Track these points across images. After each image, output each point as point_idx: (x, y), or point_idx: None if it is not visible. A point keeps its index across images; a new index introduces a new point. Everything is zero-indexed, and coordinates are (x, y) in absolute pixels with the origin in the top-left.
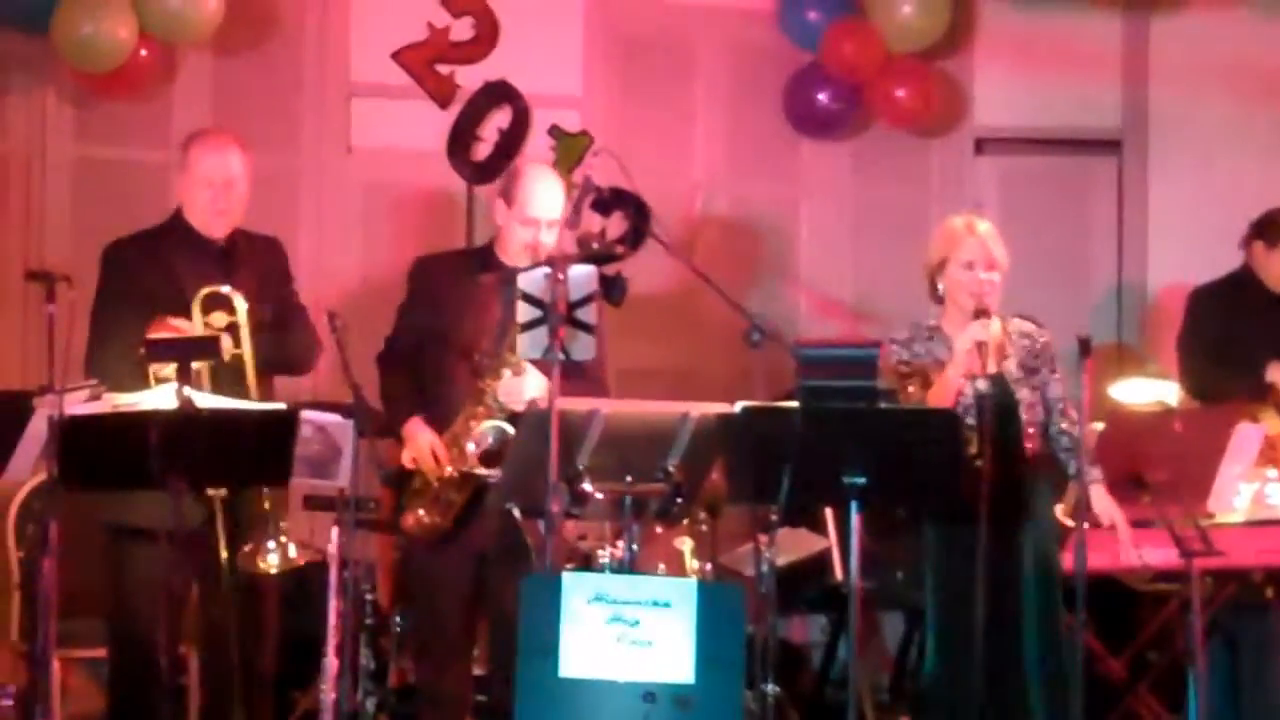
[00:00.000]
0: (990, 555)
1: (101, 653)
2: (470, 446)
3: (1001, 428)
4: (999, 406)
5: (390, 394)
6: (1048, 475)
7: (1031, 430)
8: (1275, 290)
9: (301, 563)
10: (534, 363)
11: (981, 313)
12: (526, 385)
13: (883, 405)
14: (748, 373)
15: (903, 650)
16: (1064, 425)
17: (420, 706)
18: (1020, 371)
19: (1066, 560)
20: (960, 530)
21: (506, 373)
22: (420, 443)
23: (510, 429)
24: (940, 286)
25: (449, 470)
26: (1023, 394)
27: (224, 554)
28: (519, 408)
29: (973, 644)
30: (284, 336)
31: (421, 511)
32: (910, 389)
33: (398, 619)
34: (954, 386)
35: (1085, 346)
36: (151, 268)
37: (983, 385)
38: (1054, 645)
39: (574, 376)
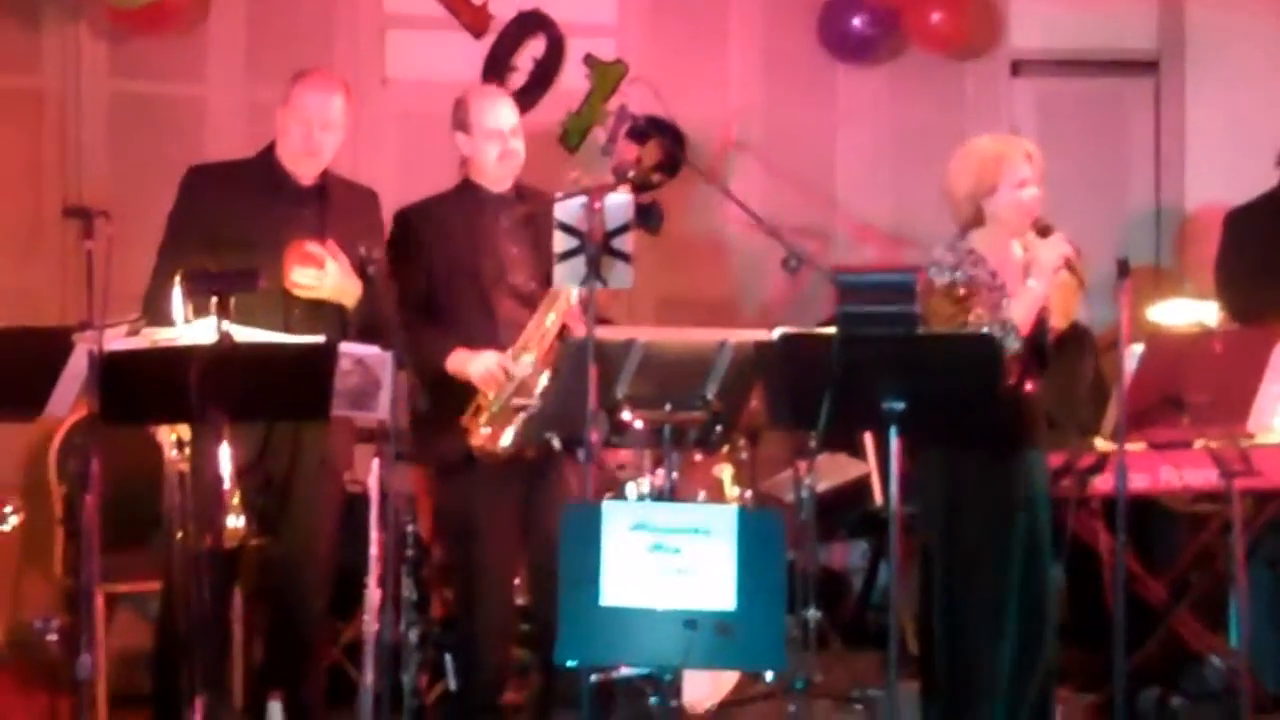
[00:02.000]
0: (991, 484)
1: (145, 587)
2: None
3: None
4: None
5: (420, 343)
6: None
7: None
8: None
9: (257, 539)
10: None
11: (1046, 230)
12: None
13: (925, 331)
14: (786, 299)
15: None
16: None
17: (463, 637)
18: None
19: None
20: (961, 456)
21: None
22: (485, 361)
23: None
24: (986, 209)
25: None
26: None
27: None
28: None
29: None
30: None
31: (487, 430)
32: (977, 312)
33: (439, 550)
34: (1039, 302)
35: (1124, 268)
36: (224, 202)
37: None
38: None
39: None
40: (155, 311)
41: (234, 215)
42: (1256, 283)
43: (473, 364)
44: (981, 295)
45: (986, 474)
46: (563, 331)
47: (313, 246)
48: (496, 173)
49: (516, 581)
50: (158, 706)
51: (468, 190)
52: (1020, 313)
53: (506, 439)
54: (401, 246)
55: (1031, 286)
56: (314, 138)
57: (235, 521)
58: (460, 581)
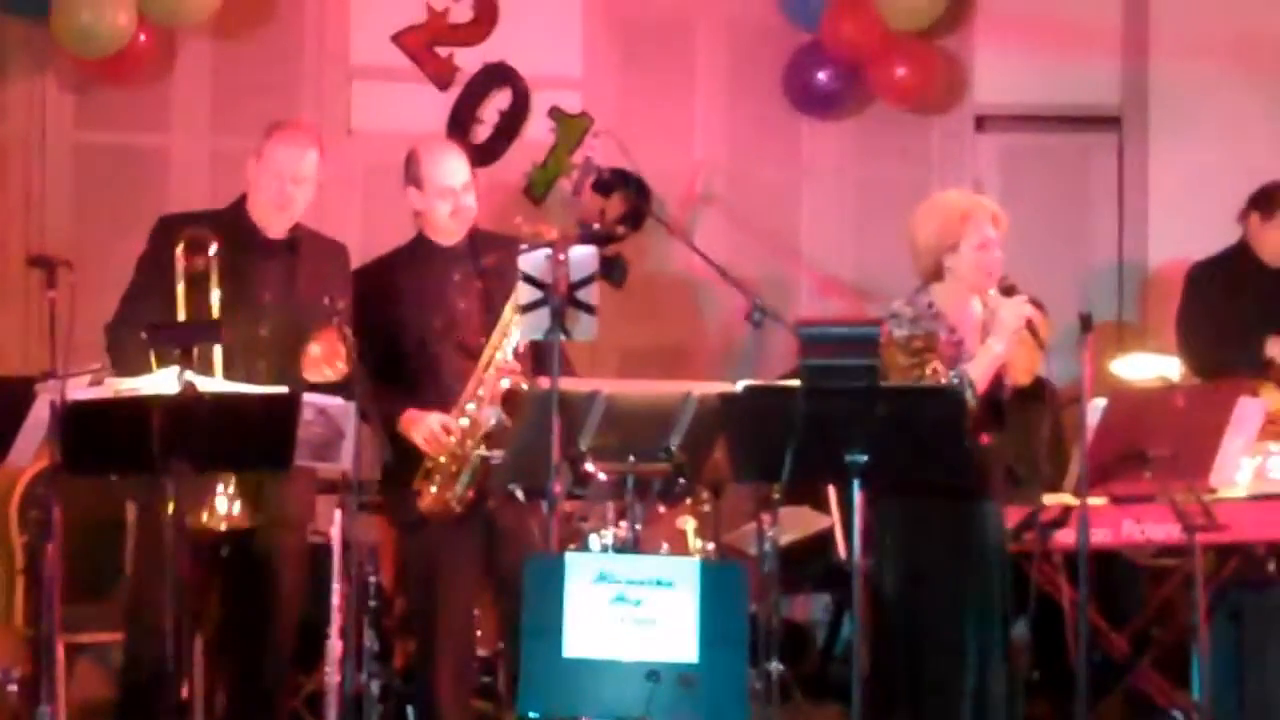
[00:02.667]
0: (953, 534)
1: (107, 637)
2: (489, 416)
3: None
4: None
5: (375, 397)
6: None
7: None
8: (1271, 264)
9: (247, 524)
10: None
11: (1010, 289)
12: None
13: (885, 384)
14: (749, 352)
15: None
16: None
17: (423, 688)
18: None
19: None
20: (922, 505)
21: (515, 333)
22: (428, 424)
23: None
24: (947, 264)
25: (463, 444)
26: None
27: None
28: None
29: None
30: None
31: (435, 490)
32: (934, 366)
33: (401, 601)
34: (998, 361)
35: (1086, 323)
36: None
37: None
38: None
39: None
40: (118, 352)
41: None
42: (1217, 338)
43: (415, 429)
44: (939, 349)
45: (943, 524)
46: (513, 383)
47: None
48: (448, 228)
49: (479, 633)
50: None
51: (420, 246)
52: (978, 371)
53: (458, 491)
54: (362, 304)
55: (991, 346)
56: (286, 192)
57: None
58: (420, 633)
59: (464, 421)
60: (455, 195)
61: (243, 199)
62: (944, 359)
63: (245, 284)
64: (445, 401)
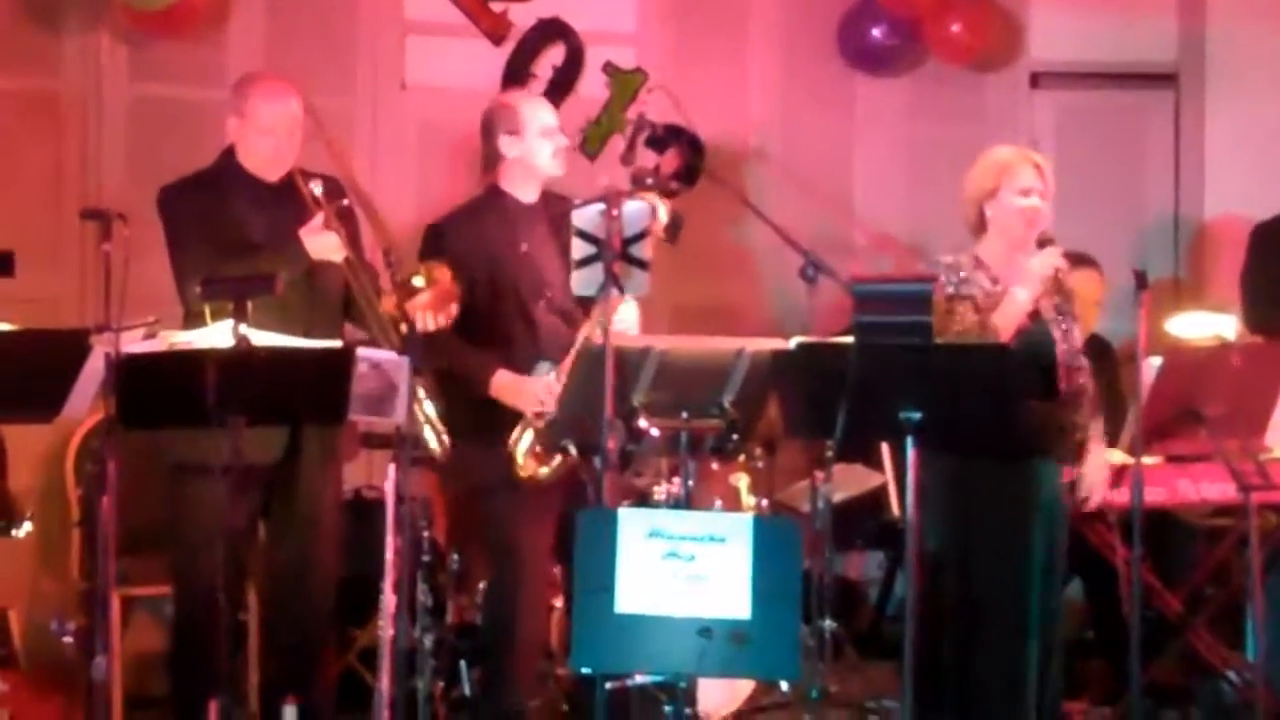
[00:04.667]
0: (1005, 492)
1: (161, 590)
2: None
3: (1028, 370)
4: (1037, 342)
5: (459, 358)
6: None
7: (1062, 370)
8: None
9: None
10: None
11: (1047, 241)
12: (631, 308)
13: (942, 341)
14: (802, 309)
15: None
16: (1080, 364)
17: (500, 651)
18: (1052, 310)
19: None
20: (975, 463)
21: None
22: (528, 391)
23: None
24: (988, 213)
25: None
26: (1055, 333)
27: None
28: (631, 328)
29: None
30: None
31: (534, 456)
32: (961, 311)
33: (455, 556)
34: (1023, 310)
35: (1142, 280)
36: (210, 212)
37: (1026, 323)
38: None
39: None
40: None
41: (222, 222)
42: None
43: (521, 393)
44: (976, 300)
45: (998, 481)
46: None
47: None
48: (548, 171)
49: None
50: (174, 709)
51: (497, 199)
52: (1002, 319)
53: (555, 464)
54: (436, 258)
55: (1016, 294)
56: (279, 146)
57: None
58: (498, 598)
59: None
60: (555, 134)
61: (230, 151)
62: (984, 310)
63: (270, 230)
64: (541, 358)
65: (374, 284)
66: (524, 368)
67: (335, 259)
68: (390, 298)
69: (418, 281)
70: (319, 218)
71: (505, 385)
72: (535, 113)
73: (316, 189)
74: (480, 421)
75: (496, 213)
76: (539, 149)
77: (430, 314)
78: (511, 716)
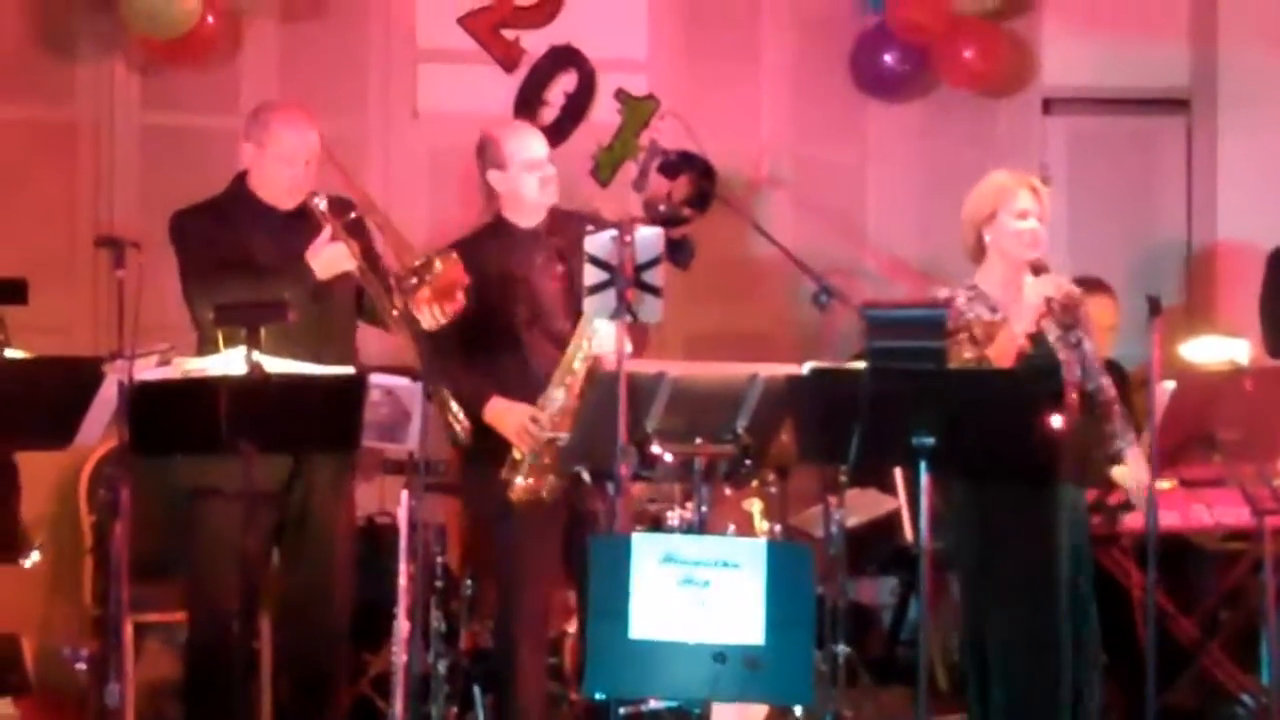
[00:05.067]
0: (1026, 517)
1: (174, 617)
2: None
3: (1045, 389)
4: (1042, 367)
5: (458, 384)
6: (1080, 439)
7: (1072, 392)
8: None
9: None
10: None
11: (1041, 269)
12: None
13: (956, 367)
14: (815, 334)
15: None
16: (1103, 382)
17: (506, 676)
18: (1059, 330)
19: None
20: (993, 489)
21: (600, 320)
22: (515, 418)
23: None
24: (986, 238)
25: (550, 436)
26: (1062, 354)
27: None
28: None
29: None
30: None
31: (526, 481)
32: (958, 346)
33: (469, 582)
34: (1017, 342)
35: (1155, 306)
36: (221, 239)
37: (1024, 347)
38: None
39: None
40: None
41: (234, 249)
42: None
43: (506, 421)
44: (973, 333)
45: (1021, 507)
46: (593, 365)
47: None
48: (536, 203)
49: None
50: None
51: (500, 228)
52: (996, 353)
53: (548, 487)
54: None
55: (1011, 326)
56: (300, 176)
57: None
58: (500, 624)
59: (555, 399)
60: (541, 165)
61: (242, 176)
62: (983, 340)
63: (284, 257)
64: (534, 388)
65: (388, 285)
66: (517, 394)
67: (348, 268)
68: (399, 298)
69: (437, 264)
70: (325, 232)
71: (496, 411)
72: (518, 145)
73: (321, 204)
74: (481, 446)
75: (498, 240)
76: (524, 182)
77: (436, 306)
78: None
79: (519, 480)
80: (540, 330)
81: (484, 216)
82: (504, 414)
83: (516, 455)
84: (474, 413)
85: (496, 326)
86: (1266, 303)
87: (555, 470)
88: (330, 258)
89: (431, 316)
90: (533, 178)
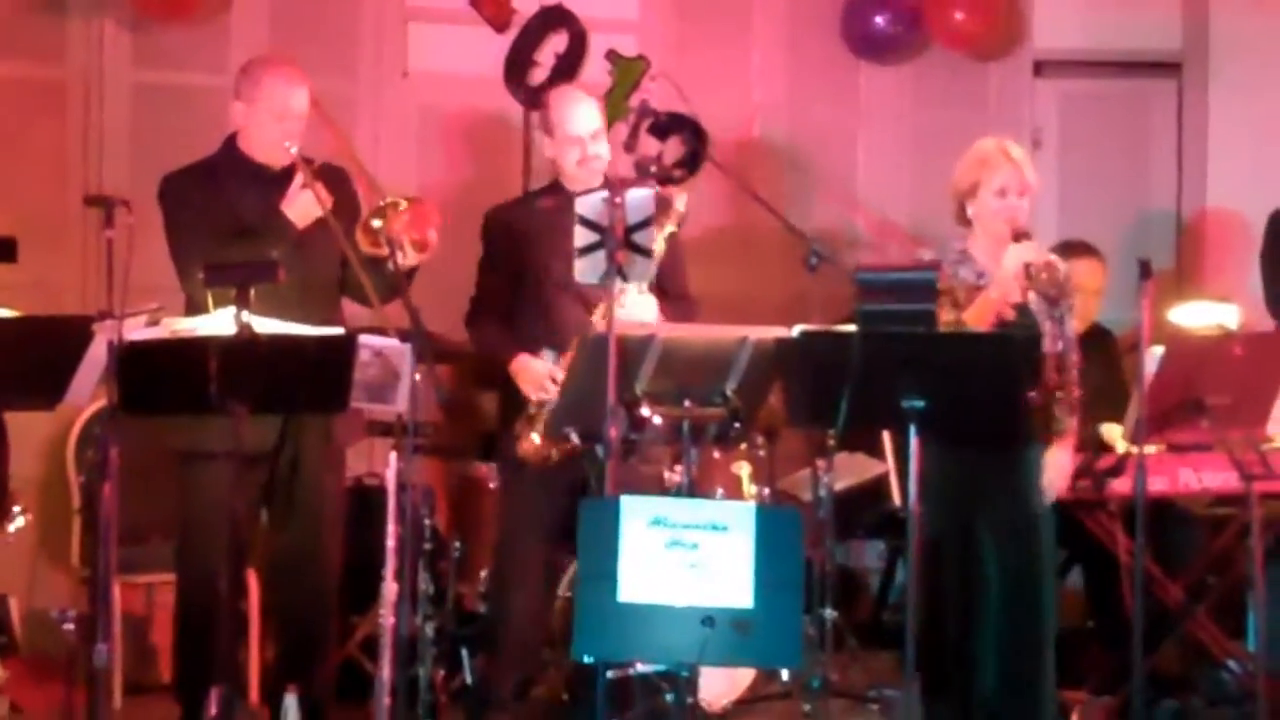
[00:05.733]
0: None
1: (163, 578)
2: None
3: (1031, 354)
4: (1024, 338)
5: (488, 344)
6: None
7: (1049, 364)
8: None
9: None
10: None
11: (1022, 235)
12: (648, 303)
13: (946, 330)
14: (805, 297)
15: None
16: (1073, 358)
17: (494, 634)
18: (1042, 303)
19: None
20: (974, 452)
21: (631, 289)
22: (535, 371)
23: None
24: (969, 210)
25: None
26: (1045, 326)
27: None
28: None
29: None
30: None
31: (538, 438)
32: (942, 314)
33: (457, 544)
34: (993, 308)
35: (1146, 270)
36: (211, 200)
37: (1009, 315)
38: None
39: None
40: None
41: (223, 210)
42: None
43: (527, 375)
44: (956, 296)
45: (1000, 469)
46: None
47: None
48: (576, 176)
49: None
50: (177, 696)
51: (552, 190)
52: (972, 316)
53: (558, 449)
54: (485, 246)
55: (988, 292)
56: (288, 130)
57: None
58: (495, 578)
59: None
60: (583, 144)
61: (232, 137)
62: (960, 306)
63: (248, 221)
64: (556, 348)
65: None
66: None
67: (316, 213)
68: (365, 235)
69: (401, 203)
70: (297, 180)
71: (519, 368)
72: (565, 115)
73: (293, 149)
74: (506, 401)
75: (545, 204)
76: (566, 153)
77: (407, 240)
78: (500, 704)
79: (532, 436)
80: (574, 294)
81: (479, 175)
82: (526, 368)
83: (532, 411)
84: (501, 368)
85: (530, 284)
86: (1266, 266)
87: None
88: (304, 205)
89: (391, 257)
90: (574, 152)
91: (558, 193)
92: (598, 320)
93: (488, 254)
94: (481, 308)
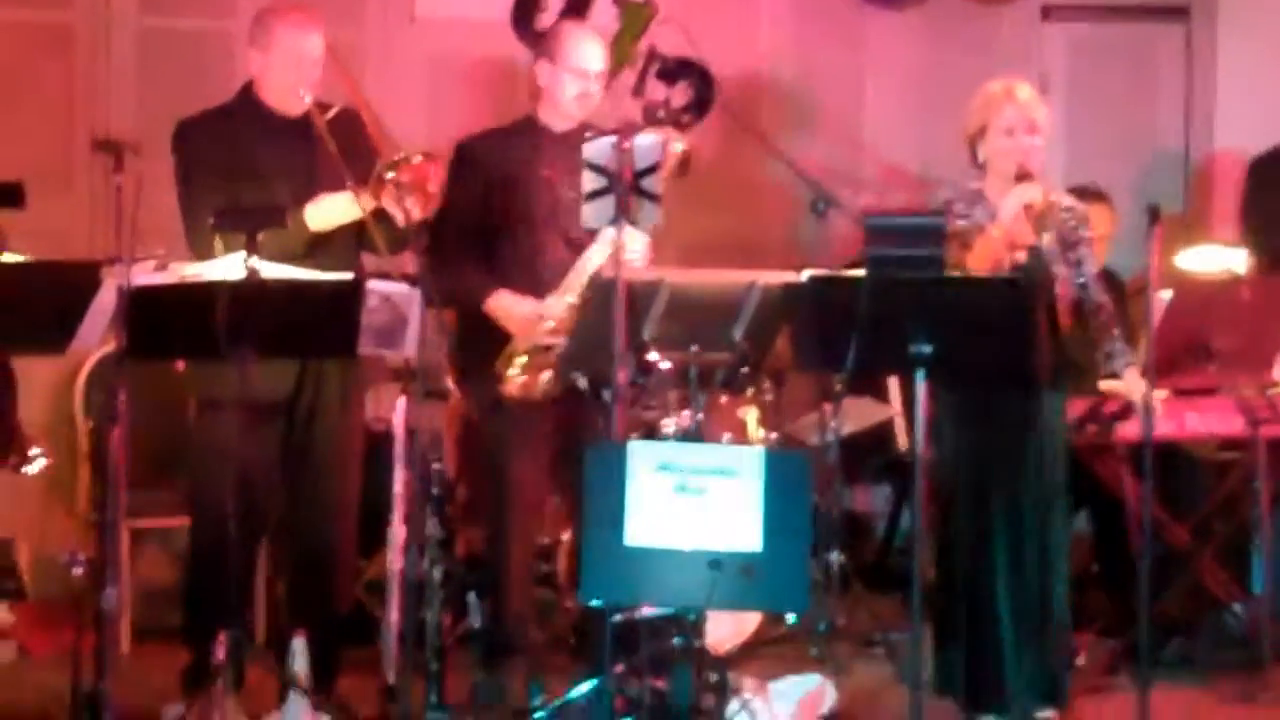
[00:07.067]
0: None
1: (170, 522)
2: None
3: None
4: (1035, 282)
5: (459, 280)
6: (1071, 357)
7: (1064, 307)
8: None
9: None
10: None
11: (1024, 175)
12: (640, 239)
13: (954, 274)
14: (813, 241)
15: None
16: (1102, 300)
17: (486, 572)
18: (1058, 246)
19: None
20: (984, 396)
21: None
22: (521, 311)
23: None
24: (980, 154)
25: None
26: (1058, 269)
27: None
28: (636, 262)
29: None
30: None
31: (520, 376)
32: (951, 254)
33: (463, 487)
34: (996, 248)
35: (1154, 215)
36: (226, 147)
37: (1021, 257)
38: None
39: None
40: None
41: (238, 157)
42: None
43: (512, 313)
44: (962, 238)
45: (1009, 412)
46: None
47: None
48: (569, 110)
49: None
50: (186, 639)
51: (531, 126)
52: (974, 257)
53: (542, 384)
54: (457, 176)
55: (990, 232)
56: (304, 76)
57: None
58: (489, 521)
59: (564, 305)
60: (587, 78)
61: (249, 84)
62: (968, 246)
63: (283, 164)
64: (540, 287)
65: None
66: (522, 289)
67: (337, 220)
68: (377, 186)
69: (415, 158)
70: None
71: (500, 305)
72: (575, 47)
73: (307, 97)
74: (472, 339)
75: (525, 138)
76: (565, 83)
77: (407, 198)
78: (508, 646)
79: (512, 374)
80: (557, 232)
81: (488, 121)
82: (510, 306)
83: (513, 348)
84: (474, 304)
85: (510, 220)
86: (1246, 214)
87: (551, 366)
88: (327, 208)
89: (401, 209)
90: (576, 85)
91: (533, 128)
92: (593, 260)
93: (460, 186)
94: (449, 242)
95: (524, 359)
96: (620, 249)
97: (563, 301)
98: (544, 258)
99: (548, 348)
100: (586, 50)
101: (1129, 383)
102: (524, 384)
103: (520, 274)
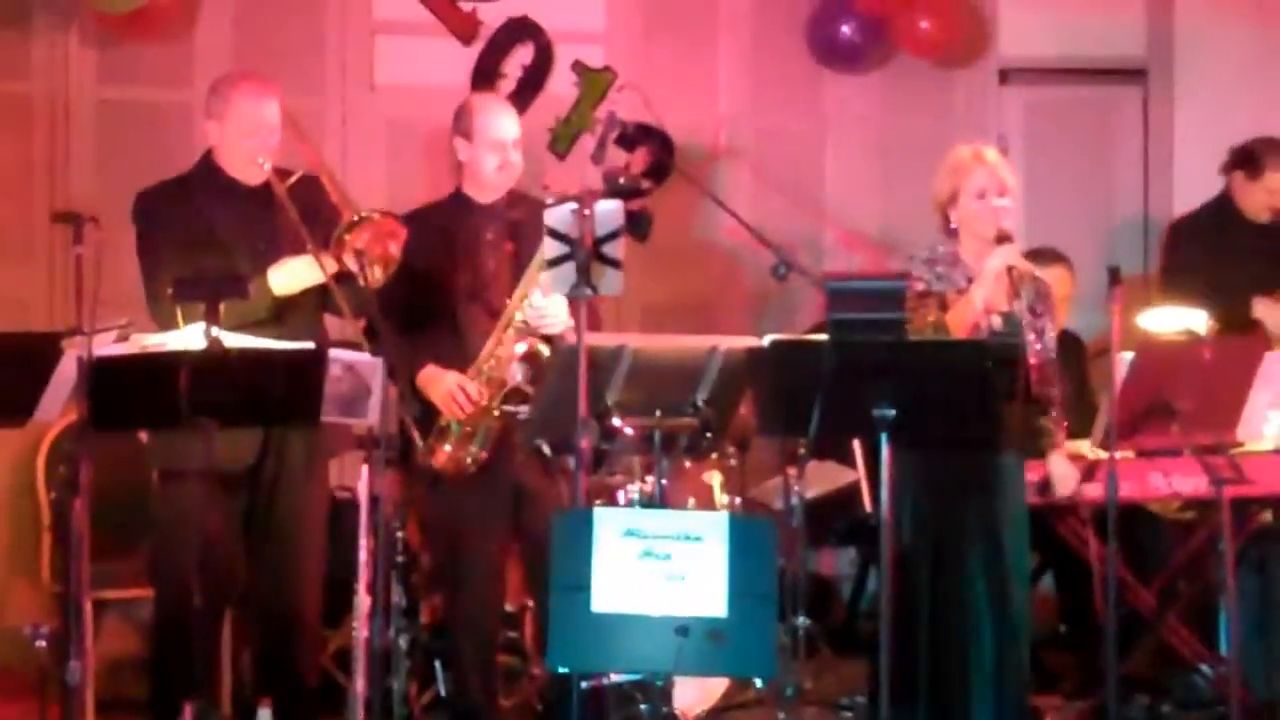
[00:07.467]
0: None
1: (134, 594)
2: (515, 372)
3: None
4: (998, 345)
5: (394, 351)
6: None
7: (1032, 373)
8: (1256, 220)
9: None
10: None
11: (1005, 238)
12: (559, 303)
13: (916, 338)
14: (774, 306)
15: None
16: (1055, 369)
17: (450, 642)
18: (1028, 314)
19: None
20: (944, 459)
21: (536, 293)
22: (446, 384)
23: (545, 348)
24: (953, 219)
25: (480, 404)
26: (1029, 336)
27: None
28: (556, 327)
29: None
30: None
31: (449, 448)
32: (925, 310)
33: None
34: (976, 309)
35: (1115, 276)
36: (186, 216)
37: (997, 323)
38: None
39: None
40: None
41: (199, 226)
42: (1203, 295)
43: (436, 387)
44: (944, 298)
45: (970, 476)
46: (530, 346)
47: None
48: (492, 182)
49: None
50: (152, 711)
51: (457, 201)
52: (954, 319)
53: (473, 450)
54: None
55: (971, 294)
56: (265, 146)
57: None
58: (446, 589)
59: (481, 379)
60: (505, 149)
61: (208, 155)
62: (946, 308)
63: (245, 233)
64: (467, 361)
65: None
66: (450, 365)
67: (301, 284)
68: (337, 249)
69: (374, 216)
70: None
71: (428, 377)
72: (489, 121)
73: (266, 166)
74: (420, 416)
75: (451, 215)
76: (484, 158)
77: (371, 259)
78: (475, 714)
79: (444, 448)
80: (480, 305)
81: (448, 183)
82: (434, 380)
83: (442, 423)
84: (409, 380)
85: (437, 297)
86: (1166, 276)
87: (478, 440)
88: (289, 272)
89: (362, 269)
90: (494, 157)
91: (460, 203)
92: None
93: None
94: (385, 316)
95: (452, 434)
96: (580, 319)
97: (482, 368)
98: (470, 332)
99: (478, 415)
100: (499, 121)
101: (1052, 464)
102: (453, 456)
103: (445, 348)
